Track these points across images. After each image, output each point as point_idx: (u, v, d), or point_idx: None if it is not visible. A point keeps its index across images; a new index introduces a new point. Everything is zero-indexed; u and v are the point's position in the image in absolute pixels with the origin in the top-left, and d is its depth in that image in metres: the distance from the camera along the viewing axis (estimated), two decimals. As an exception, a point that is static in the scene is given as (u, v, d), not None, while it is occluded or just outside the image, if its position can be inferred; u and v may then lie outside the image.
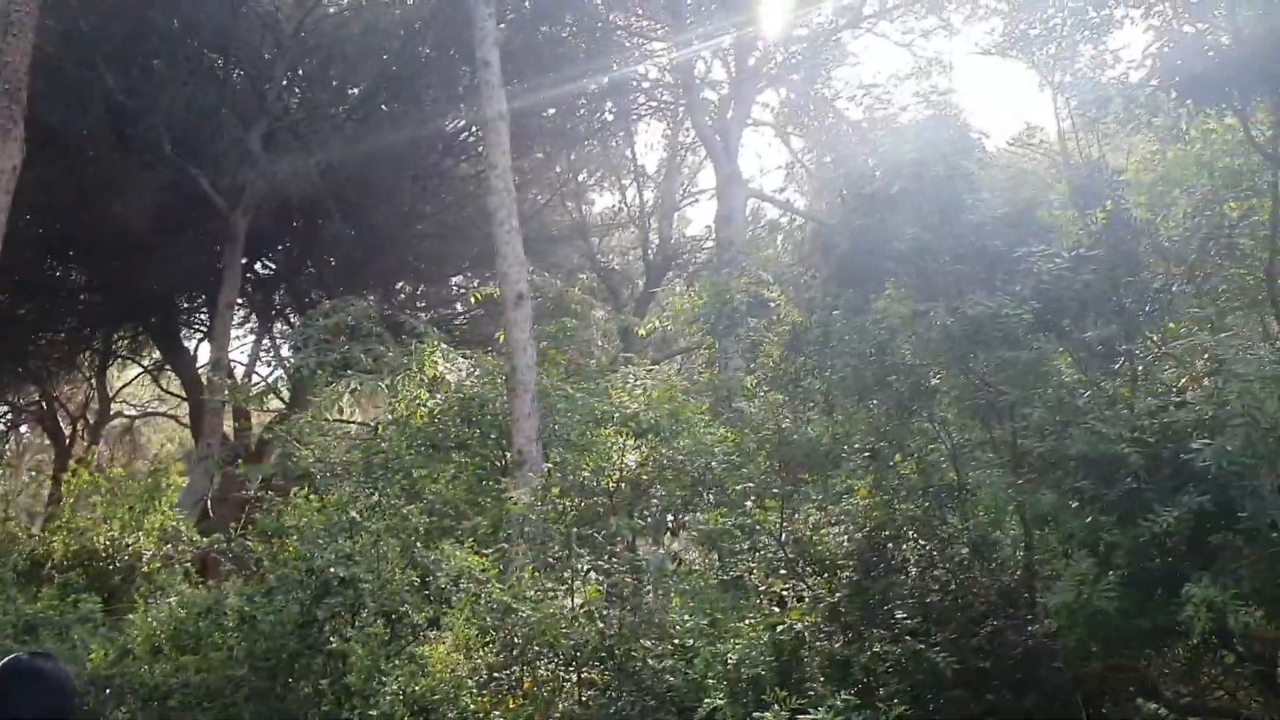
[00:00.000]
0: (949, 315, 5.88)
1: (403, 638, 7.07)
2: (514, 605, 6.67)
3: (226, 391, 17.08)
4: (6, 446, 27.94)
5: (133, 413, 29.68)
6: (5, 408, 27.24)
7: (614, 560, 7.67)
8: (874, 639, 5.94)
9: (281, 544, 7.93)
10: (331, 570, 7.07)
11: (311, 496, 8.33)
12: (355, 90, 20.14)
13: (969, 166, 6.59)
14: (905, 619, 6.04)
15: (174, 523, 13.75)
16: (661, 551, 9.85)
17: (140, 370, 27.24)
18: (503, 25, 16.85)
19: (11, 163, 12.71)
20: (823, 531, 6.93)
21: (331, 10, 19.51)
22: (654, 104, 23.00)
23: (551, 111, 20.88)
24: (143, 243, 18.38)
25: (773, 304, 10.83)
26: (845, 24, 19.37)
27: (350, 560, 7.30)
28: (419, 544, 7.71)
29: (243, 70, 19.05)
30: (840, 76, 27.29)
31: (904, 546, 6.60)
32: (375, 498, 8.34)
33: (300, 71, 20.04)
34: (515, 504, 8.36)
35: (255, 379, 23.36)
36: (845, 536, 6.83)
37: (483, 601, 6.91)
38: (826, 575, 6.77)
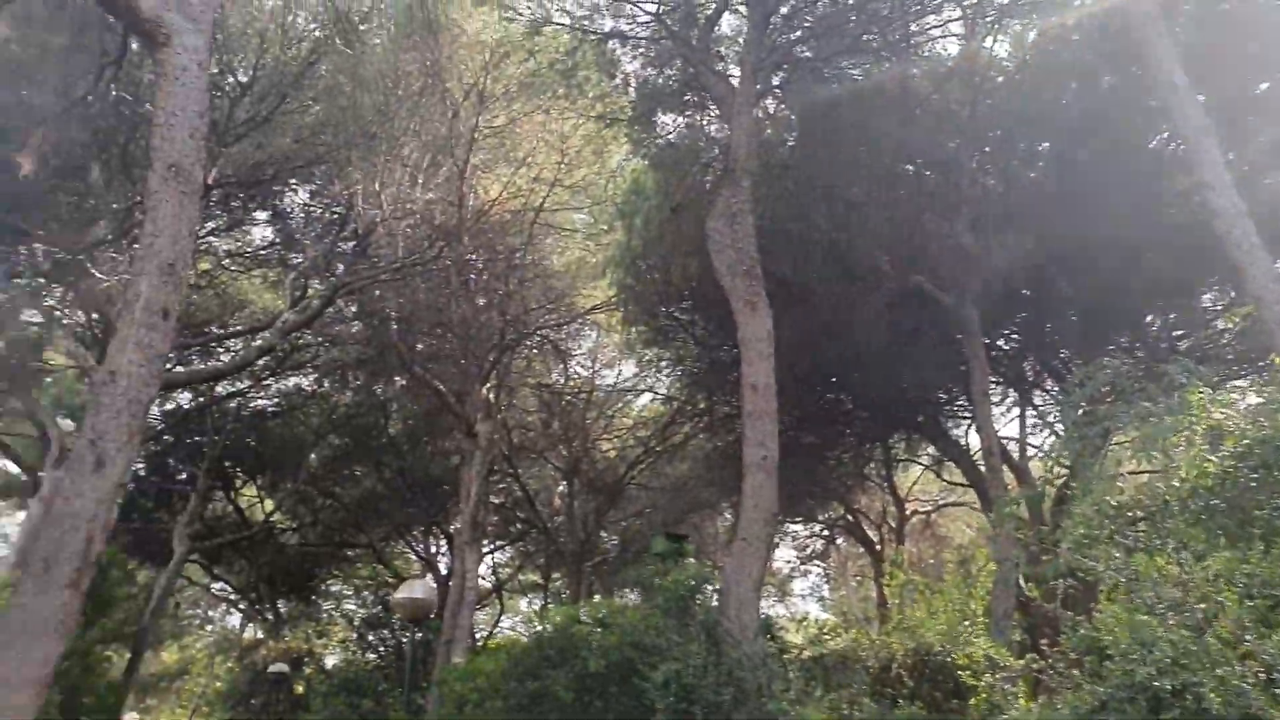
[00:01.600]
0: None
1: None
2: None
3: (1011, 489, 17.10)
4: (829, 560, 31.32)
5: (927, 508, 31.31)
6: (819, 526, 30.66)
7: None
8: None
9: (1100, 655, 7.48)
10: (1157, 684, 6.46)
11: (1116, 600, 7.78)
12: (1043, 146, 19.50)
13: None
14: None
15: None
16: None
17: (923, 468, 28.72)
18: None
19: (765, 329, 14.70)
20: None
21: (1000, 79, 19.37)
22: None
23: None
24: (888, 355, 19.68)
25: None
26: None
27: (1179, 667, 6.59)
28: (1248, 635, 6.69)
29: (932, 170, 19.64)
30: None
31: None
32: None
33: (986, 149, 20.05)
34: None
35: (1030, 450, 23.25)
36: None
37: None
38: None
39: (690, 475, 27.58)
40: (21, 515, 28.40)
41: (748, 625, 12.99)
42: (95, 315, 20.53)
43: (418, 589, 15.52)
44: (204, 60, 10.51)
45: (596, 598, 30.40)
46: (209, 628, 40.41)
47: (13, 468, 27.70)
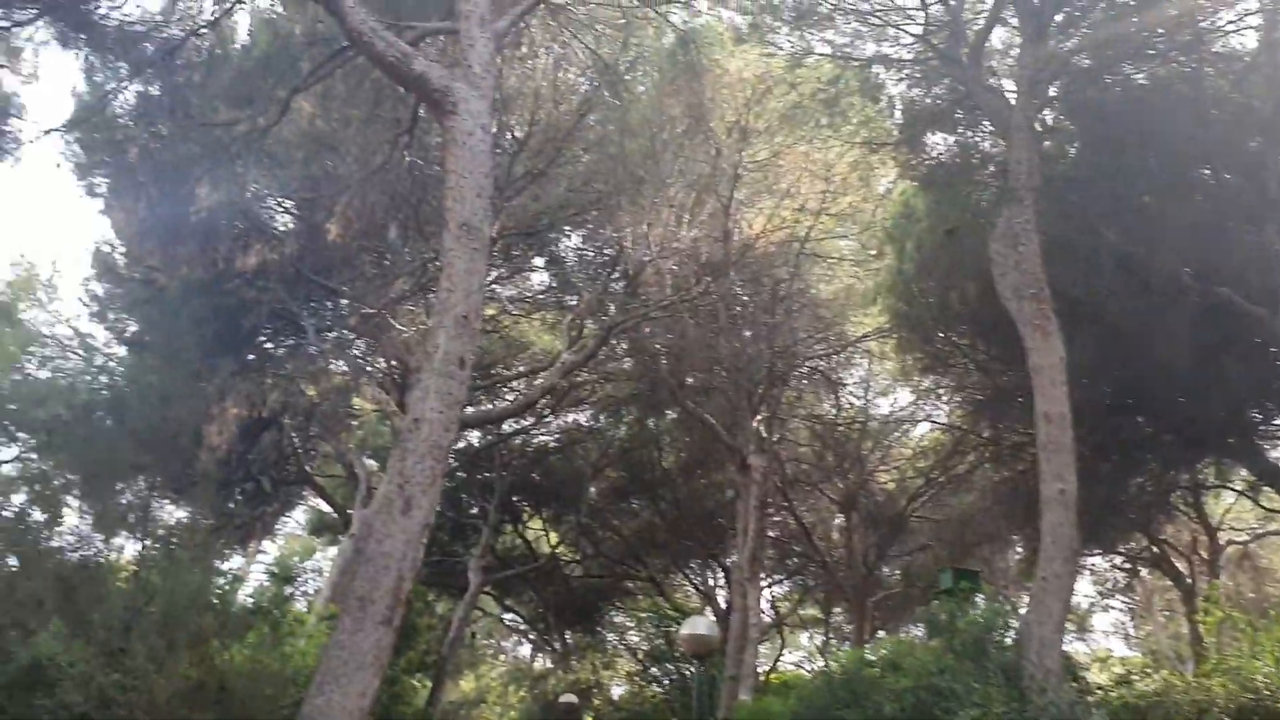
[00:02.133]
0: None
1: None
2: None
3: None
4: (1133, 595, 28.77)
5: (1243, 537, 28.23)
6: (1121, 558, 28.27)
7: None
8: None
9: None
10: None
11: None
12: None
13: None
14: None
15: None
16: None
17: (1236, 494, 25.97)
18: None
19: (1057, 354, 13.77)
20: None
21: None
22: None
23: None
24: (1192, 374, 17.95)
25: None
26: None
27: None
28: None
29: (1233, 173, 17.86)
30: None
31: None
32: None
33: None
34: None
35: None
36: None
37: None
38: None
39: (977, 507, 26.22)
40: (334, 550, 31.16)
41: (1050, 669, 12.10)
42: (396, 363, 22.19)
43: (701, 625, 15.60)
44: (487, 124, 11.16)
45: (880, 634, 29.54)
46: (502, 657, 42.57)
47: (325, 506, 30.38)
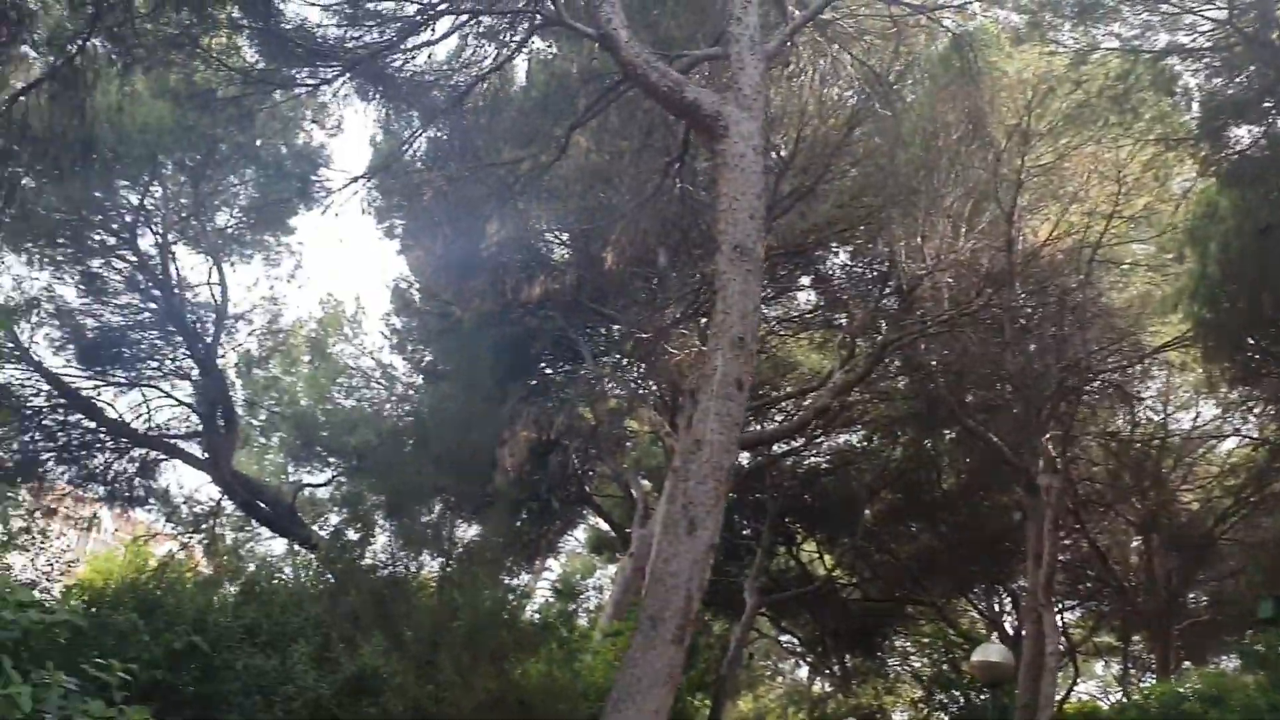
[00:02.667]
0: None
1: None
2: None
3: None
4: None
5: None
6: None
7: None
8: None
9: None
10: None
11: None
12: None
13: None
14: None
15: None
16: None
17: None
18: None
19: None
20: None
21: None
22: None
23: None
24: None
25: None
26: None
27: None
28: None
29: None
30: None
31: None
32: None
33: None
34: None
35: None
36: None
37: None
38: None
39: (1297, 529, 23.47)
40: (613, 569, 32.08)
41: None
42: (668, 386, 22.61)
43: (993, 652, 14.78)
44: (759, 145, 11.14)
45: (1186, 665, 27.12)
46: (779, 679, 42.29)
47: (604, 525, 31.39)
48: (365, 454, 18.86)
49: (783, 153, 19.22)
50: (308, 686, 10.94)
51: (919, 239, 18.67)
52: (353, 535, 14.72)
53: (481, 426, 15.54)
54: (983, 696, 23.13)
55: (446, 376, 19.01)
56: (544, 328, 20.29)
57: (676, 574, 9.60)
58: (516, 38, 13.95)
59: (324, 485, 23.80)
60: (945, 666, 27.49)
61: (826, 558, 31.78)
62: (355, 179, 15.35)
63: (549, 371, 23.94)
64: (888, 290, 21.61)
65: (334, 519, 20.90)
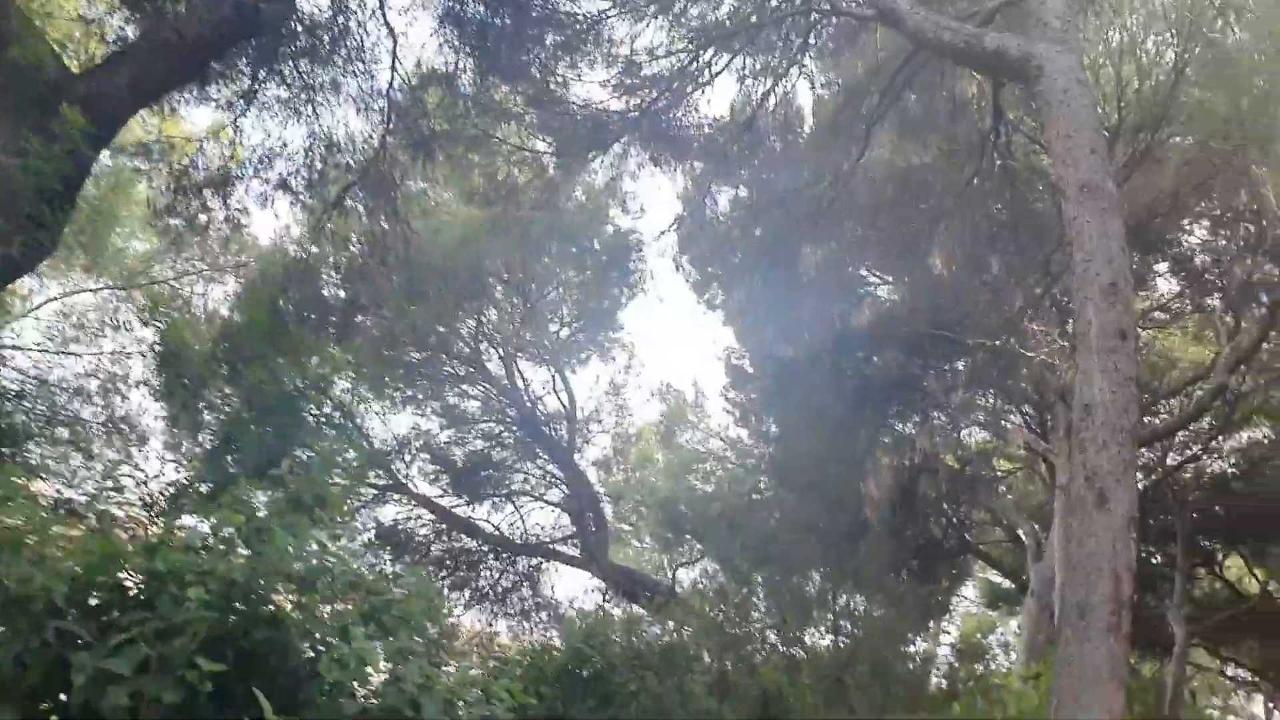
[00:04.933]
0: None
1: None
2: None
3: None
4: None
5: None
6: None
7: None
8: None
9: None
10: None
11: None
12: None
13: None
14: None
15: None
16: None
17: None
18: None
19: None
20: None
21: None
22: None
23: None
24: None
25: None
26: None
27: None
28: None
29: None
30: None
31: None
32: None
33: None
34: None
35: None
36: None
37: None
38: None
39: None
40: (1014, 622, 29.54)
41: None
42: (1034, 396, 20.72)
43: None
44: (1081, 78, 10.04)
45: None
46: (1231, 718, 36.86)
47: (996, 576, 29.16)
48: (733, 524, 18.56)
49: (1109, 122, 17.46)
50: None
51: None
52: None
53: (838, 457, 14.82)
54: None
55: (792, 423, 18.40)
56: (884, 369, 19.27)
57: (1096, 554, 8.37)
58: (791, 53, 13.53)
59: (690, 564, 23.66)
60: None
61: (1258, 572, 27.60)
62: (662, 233, 15.41)
63: (897, 421, 22.70)
64: (1262, 250, 18.84)
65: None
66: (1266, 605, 26.89)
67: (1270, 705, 33.72)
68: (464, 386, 21.33)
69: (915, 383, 20.46)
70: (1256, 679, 32.33)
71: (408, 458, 21.12)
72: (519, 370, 21.08)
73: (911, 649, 19.29)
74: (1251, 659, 30.52)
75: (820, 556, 15.72)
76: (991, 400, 22.19)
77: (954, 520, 25.31)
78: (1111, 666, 8.09)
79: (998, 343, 16.92)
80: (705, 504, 21.34)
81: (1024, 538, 22.40)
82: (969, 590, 31.90)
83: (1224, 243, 22.17)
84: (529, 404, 21.10)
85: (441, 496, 21.31)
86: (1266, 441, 25.92)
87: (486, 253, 17.44)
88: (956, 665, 27.40)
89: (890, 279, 19.31)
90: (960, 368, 20.81)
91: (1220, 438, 25.70)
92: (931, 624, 28.38)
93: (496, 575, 21.45)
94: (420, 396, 21.12)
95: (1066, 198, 9.59)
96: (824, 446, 17.48)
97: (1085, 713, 7.90)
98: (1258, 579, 27.72)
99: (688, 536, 22.03)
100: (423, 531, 21.30)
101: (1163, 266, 23.27)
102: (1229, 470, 26.86)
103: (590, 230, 18.75)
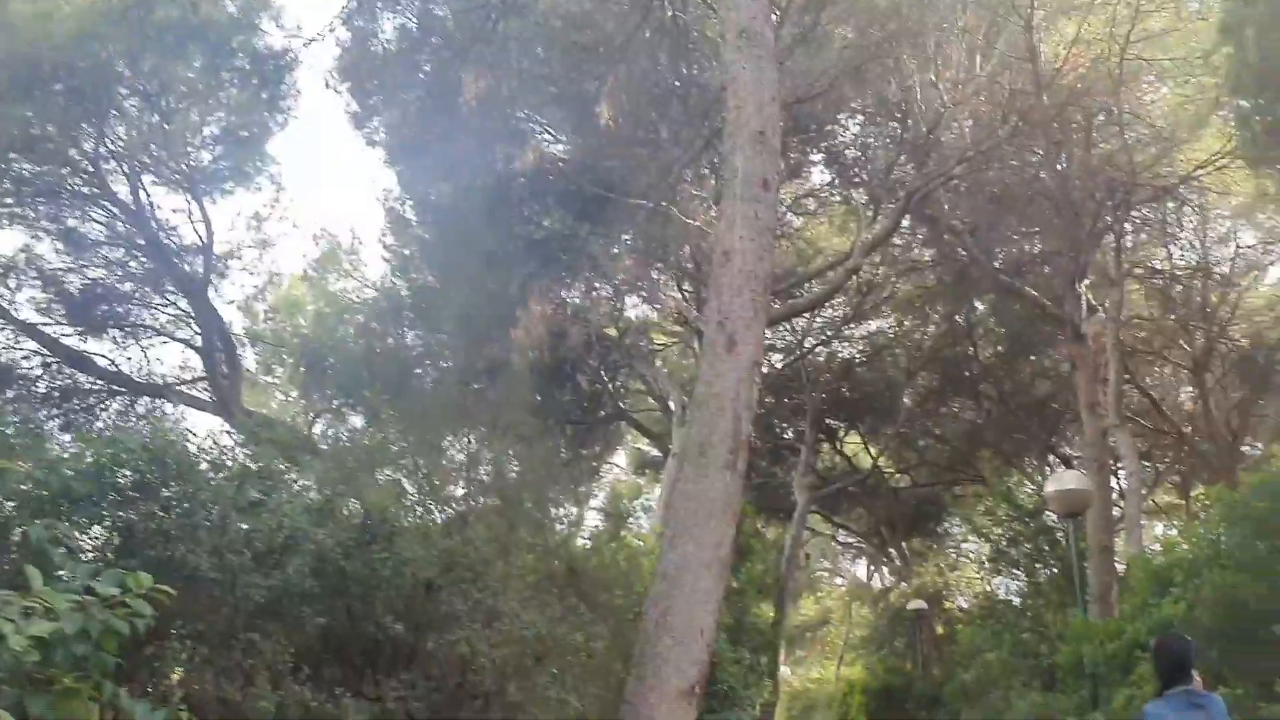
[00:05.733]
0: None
1: None
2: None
3: None
4: None
5: None
6: None
7: None
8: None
9: None
10: None
11: None
12: None
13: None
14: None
15: None
16: None
17: None
18: None
19: None
20: None
21: None
22: None
23: None
24: None
25: None
26: None
27: None
28: None
29: None
30: None
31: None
32: None
33: None
34: None
35: None
36: None
37: None
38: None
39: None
40: (658, 488, 31.04)
41: None
42: (689, 263, 21.13)
43: (1069, 479, 13.53)
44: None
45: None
46: (839, 579, 41.45)
47: (646, 445, 30.34)
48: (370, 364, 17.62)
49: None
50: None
51: (931, 75, 17.35)
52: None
53: (490, 300, 14.34)
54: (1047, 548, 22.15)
55: (450, 271, 17.58)
56: (549, 229, 18.76)
57: (721, 395, 8.52)
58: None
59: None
60: (1005, 543, 26.26)
61: (871, 449, 30.74)
62: (310, 40, 13.82)
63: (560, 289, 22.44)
64: (906, 139, 20.13)
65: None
66: (875, 479, 30.06)
67: (871, 567, 38.20)
68: (86, 208, 18.76)
69: (580, 246, 20.21)
70: (862, 544, 36.34)
71: (13, 282, 18.53)
72: (148, 193, 18.76)
73: (561, 511, 19.58)
74: (859, 525, 34.21)
75: (465, 405, 15.15)
76: (655, 274, 22.56)
77: (609, 389, 25.85)
78: (726, 500, 8.29)
79: (660, 206, 16.97)
80: (351, 351, 20.16)
81: (672, 406, 23.20)
82: (620, 458, 33.07)
83: (872, 140, 23.72)
84: (159, 232, 18.89)
85: (51, 325, 18.87)
86: (891, 331, 28.63)
87: (111, 50, 15.08)
88: (602, 528, 28.47)
89: (554, 131, 18.81)
90: (626, 238, 20.88)
91: (851, 325, 28.11)
92: (583, 488, 29.24)
93: (114, 417, 19.36)
94: (32, 215, 18.48)
95: (725, 41, 9.50)
96: (478, 294, 16.83)
97: (697, 545, 8.10)
98: (870, 455, 30.80)
99: (330, 388, 20.81)
100: (27, 365, 18.86)
101: (818, 158, 24.61)
102: (855, 356, 29.50)
103: (237, 42, 16.68)
